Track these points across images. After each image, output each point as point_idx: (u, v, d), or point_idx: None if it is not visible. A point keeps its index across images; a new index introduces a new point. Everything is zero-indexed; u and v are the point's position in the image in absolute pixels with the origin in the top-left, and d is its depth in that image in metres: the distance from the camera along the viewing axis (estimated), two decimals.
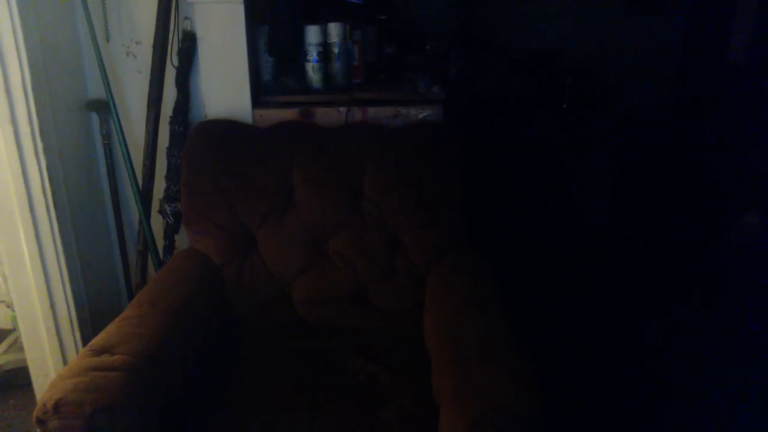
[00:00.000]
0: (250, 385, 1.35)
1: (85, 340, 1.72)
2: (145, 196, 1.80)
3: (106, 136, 1.84)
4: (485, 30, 2.76)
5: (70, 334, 1.75)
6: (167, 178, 1.80)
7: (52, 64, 1.61)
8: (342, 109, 1.79)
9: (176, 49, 1.75)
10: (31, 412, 1.22)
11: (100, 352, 1.16)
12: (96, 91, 1.80)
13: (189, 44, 1.74)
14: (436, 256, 1.59)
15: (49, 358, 1.76)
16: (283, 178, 1.64)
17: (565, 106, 2.73)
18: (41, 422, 1.03)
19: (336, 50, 1.81)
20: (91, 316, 1.80)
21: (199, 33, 1.72)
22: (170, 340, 1.28)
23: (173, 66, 1.76)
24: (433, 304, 1.48)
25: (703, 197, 2.86)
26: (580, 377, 2.02)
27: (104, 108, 1.79)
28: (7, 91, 1.49)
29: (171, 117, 1.78)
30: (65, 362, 1.77)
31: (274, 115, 1.79)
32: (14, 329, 2.02)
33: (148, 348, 1.20)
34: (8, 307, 1.97)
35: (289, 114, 1.79)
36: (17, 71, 1.49)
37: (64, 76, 1.70)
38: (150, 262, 1.86)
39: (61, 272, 1.68)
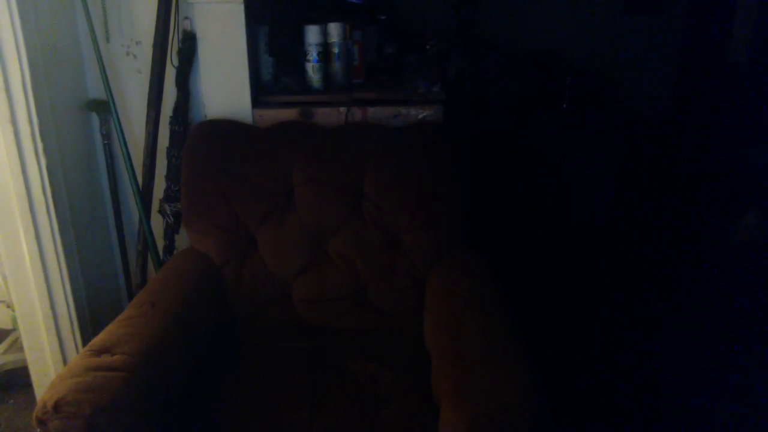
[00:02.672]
0: (250, 385, 1.35)
1: (85, 340, 1.72)
2: (145, 196, 1.80)
3: (106, 136, 1.84)
4: (485, 30, 2.75)
5: (70, 334, 1.75)
6: (167, 178, 1.80)
7: (52, 64, 1.61)
8: (342, 109, 1.79)
9: (176, 49, 1.75)
10: (31, 412, 1.23)
11: (100, 352, 1.16)
12: (96, 91, 1.80)
13: (189, 44, 1.74)
14: (436, 256, 1.59)
15: (49, 358, 1.76)
16: (283, 178, 1.64)
17: (565, 106, 2.73)
18: (41, 422, 1.03)
19: (336, 50, 1.81)
20: (91, 316, 1.80)
21: (199, 33, 1.72)
22: (170, 340, 1.28)
23: (173, 66, 1.76)
24: (433, 304, 1.48)
25: (703, 197, 2.86)
26: (580, 377, 2.02)
27: (104, 108, 1.79)
28: (7, 91, 1.49)
29: (171, 117, 1.79)
30: (65, 362, 1.76)
31: (274, 115, 1.79)
32: (14, 329, 2.02)
33: (148, 348, 1.20)
34: (8, 307, 1.97)
35: (289, 114, 1.79)
36: (17, 71, 1.49)
37: (64, 76, 1.70)
38: (150, 262, 1.86)
39: (61, 272, 1.68)
